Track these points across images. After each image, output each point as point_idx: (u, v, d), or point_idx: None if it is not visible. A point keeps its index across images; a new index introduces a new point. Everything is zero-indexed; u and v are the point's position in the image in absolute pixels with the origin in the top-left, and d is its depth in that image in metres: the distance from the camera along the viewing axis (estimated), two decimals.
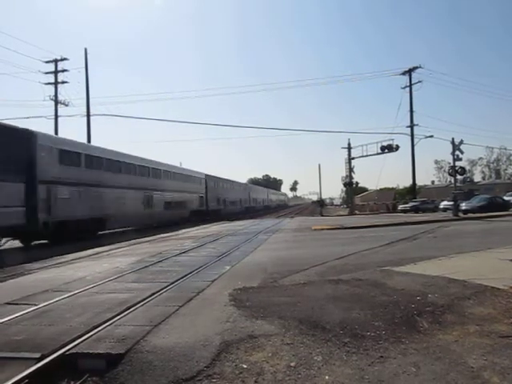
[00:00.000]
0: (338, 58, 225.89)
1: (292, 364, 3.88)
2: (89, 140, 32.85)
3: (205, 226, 30.89)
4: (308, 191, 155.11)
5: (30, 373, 3.76)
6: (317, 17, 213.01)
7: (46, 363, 4.00)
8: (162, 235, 22.00)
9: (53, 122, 35.87)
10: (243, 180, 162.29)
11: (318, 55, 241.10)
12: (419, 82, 41.84)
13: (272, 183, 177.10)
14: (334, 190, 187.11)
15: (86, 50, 33.89)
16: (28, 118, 43.67)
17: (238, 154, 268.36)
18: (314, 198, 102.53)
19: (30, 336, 4.87)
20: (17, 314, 5.80)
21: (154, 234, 22.37)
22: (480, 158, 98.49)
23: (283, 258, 11.12)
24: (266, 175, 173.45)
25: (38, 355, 4.15)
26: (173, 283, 7.83)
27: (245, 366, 3.86)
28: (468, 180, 44.38)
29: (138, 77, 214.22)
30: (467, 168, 69.52)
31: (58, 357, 4.14)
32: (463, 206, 30.94)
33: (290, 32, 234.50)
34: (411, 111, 42.25)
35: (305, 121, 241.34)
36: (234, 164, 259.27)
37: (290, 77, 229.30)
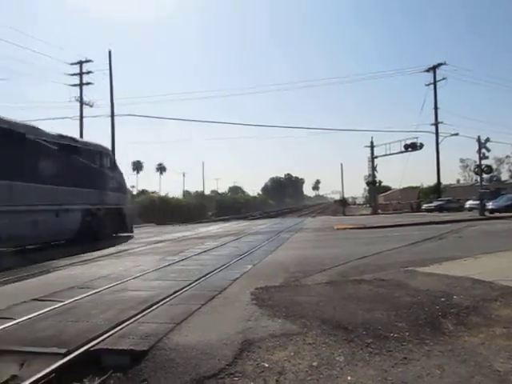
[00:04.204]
0: (375, 55, 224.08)
1: (314, 364, 3.86)
2: (113, 140, 33.29)
3: (225, 224, 31.02)
4: (330, 190, 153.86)
5: (56, 367, 3.84)
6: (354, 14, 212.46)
7: (72, 358, 4.08)
8: (184, 234, 22.19)
9: (78, 122, 36.65)
10: (265, 180, 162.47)
11: (353, 52, 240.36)
12: (444, 79, 41.30)
13: (294, 182, 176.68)
14: (356, 189, 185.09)
15: (110, 51, 34.33)
16: (54, 119, 44.61)
17: (258, 152, 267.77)
18: (337, 197, 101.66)
19: (56, 332, 4.98)
20: (44, 310, 5.93)
21: (174, 233, 22.61)
22: (507, 157, 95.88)
23: (305, 257, 11.08)
24: (288, 174, 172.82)
25: (63, 350, 4.23)
26: (194, 282, 7.88)
27: (266, 365, 3.86)
28: (494, 179, 43.51)
29: (166, 77, 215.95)
30: (494, 166, 67.84)
31: (82, 352, 4.22)
32: (489, 205, 30.30)
33: (326, 31, 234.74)
34: (435, 109, 41.70)
35: (332, 118, 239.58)
36: (256, 163, 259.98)
37: (323, 73, 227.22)
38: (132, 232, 22.25)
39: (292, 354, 4.11)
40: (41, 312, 5.85)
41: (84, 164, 18.24)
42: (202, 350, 4.24)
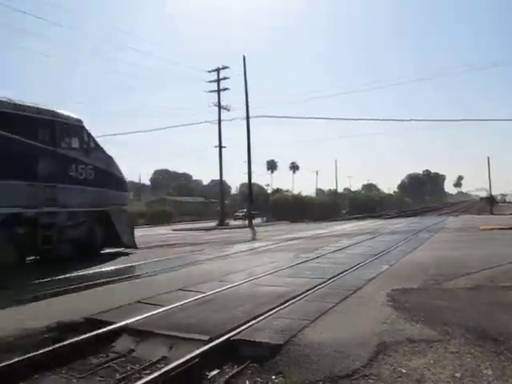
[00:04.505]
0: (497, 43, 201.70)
1: (457, 375, 3.59)
2: (248, 142, 35.00)
3: (359, 223, 30.38)
4: (475, 187, 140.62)
5: (200, 352, 4.15)
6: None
7: (214, 345, 4.37)
8: (317, 232, 22.27)
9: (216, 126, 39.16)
10: (402, 176, 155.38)
11: (475, 40, 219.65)
12: None
13: (433, 179, 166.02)
14: (507, 186, 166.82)
15: (244, 57, 35.92)
16: (193, 124, 48.28)
17: (393, 148, 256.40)
18: (482, 194, 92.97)
19: (199, 320, 5.37)
20: (187, 300, 6.44)
21: (307, 230, 22.81)
22: None
23: (446, 258, 10.34)
24: (427, 170, 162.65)
25: (206, 338, 4.55)
26: (329, 280, 7.86)
27: (404, 371, 3.69)
28: None
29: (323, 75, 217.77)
30: None
31: (223, 341, 4.49)
32: None
33: (445, 18, 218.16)
34: None
35: (468, 111, 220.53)
36: (391, 159, 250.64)
37: (448, 63, 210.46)
38: (134, 245, 15.17)
39: (432, 361, 3.88)
40: (185, 301, 6.36)
41: (18, 142, 11.36)
42: (335, 349, 4.21)
